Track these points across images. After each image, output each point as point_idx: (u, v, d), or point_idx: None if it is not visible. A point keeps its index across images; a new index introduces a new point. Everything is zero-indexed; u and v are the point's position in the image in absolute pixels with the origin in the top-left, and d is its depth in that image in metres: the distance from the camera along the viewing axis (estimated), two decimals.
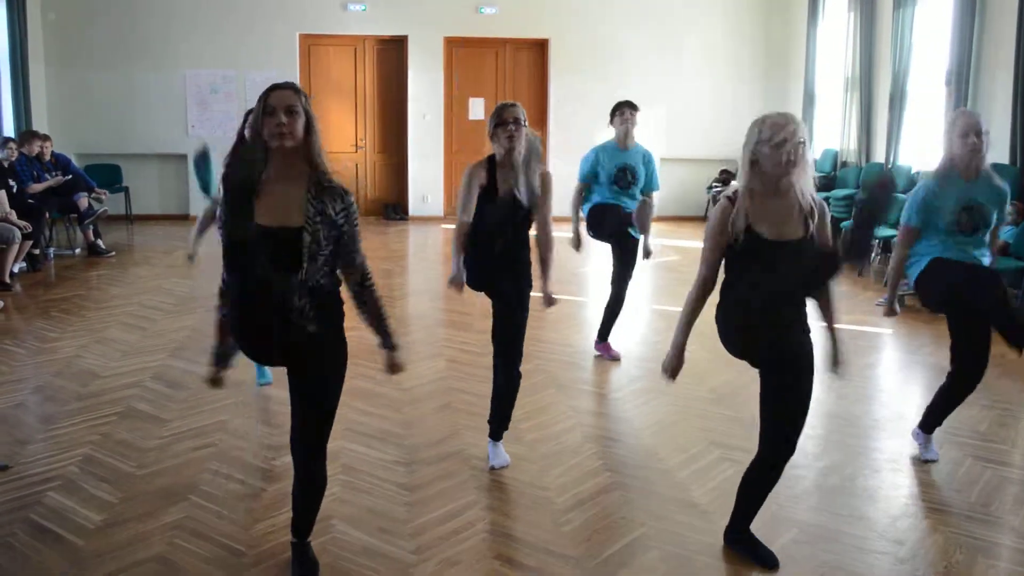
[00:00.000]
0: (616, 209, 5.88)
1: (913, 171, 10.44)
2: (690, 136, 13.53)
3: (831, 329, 3.44)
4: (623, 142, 5.91)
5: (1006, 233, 7.66)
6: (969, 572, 3.46)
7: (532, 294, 4.36)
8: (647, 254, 6.04)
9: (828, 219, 3.27)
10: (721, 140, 13.06)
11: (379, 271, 9.68)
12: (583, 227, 6.08)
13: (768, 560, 3.44)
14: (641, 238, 5.93)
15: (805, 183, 3.18)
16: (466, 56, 13.63)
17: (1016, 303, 4.69)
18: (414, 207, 13.82)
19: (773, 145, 3.08)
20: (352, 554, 3.51)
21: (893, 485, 4.30)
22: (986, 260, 4.32)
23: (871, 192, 3.49)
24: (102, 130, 12.76)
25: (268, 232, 2.93)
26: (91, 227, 10.26)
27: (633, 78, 13.19)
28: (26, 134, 10.29)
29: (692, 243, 11.88)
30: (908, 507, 4.05)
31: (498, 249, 4.20)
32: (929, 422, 4.55)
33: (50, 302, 7.90)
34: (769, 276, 3.20)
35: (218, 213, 3.04)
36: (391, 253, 11.15)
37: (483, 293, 4.40)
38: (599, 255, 5.91)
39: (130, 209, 12.76)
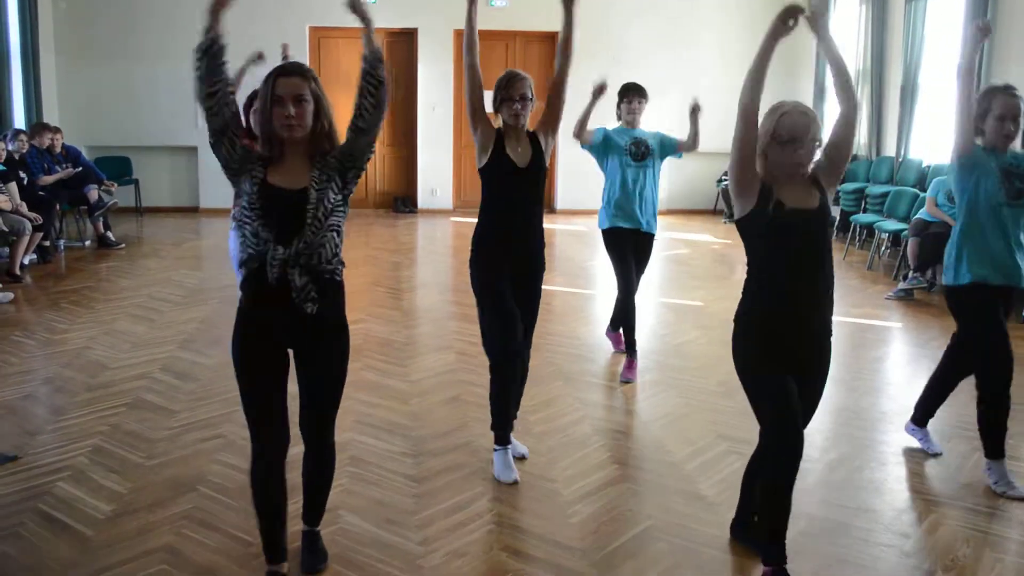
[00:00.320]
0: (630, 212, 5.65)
1: (924, 165, 10.40)
2: (701, 127, 13.45)
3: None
4: (631, 126, 5.85)
5: None
6: (975, 565, 3.46)
7: None
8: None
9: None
10: (730, 134, 13.01)
11: (388, 263, 9.74)
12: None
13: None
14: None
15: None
16: None
17: None
18: (423, 200, 13.82)
19: (786, 141, 2.98)
20: (360, 545, 3.52)
21: (899, 478, 4.30)
22: None
23: None
24: (112, 122, 12.78)
25: (275, 192, 2.93)
26: (101, 219, 10.29)
27: (644, 71, 13.08)
28: (37, 126, 10.33)
29: (702, 236, 11.88)
30: (914, 500, 4.05)
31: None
32: (990, 444, 4.21)
33: (60, 294, 7.93)
34: (791, 252, 3.06)
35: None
36: (400, 246, 11.17)
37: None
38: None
39: (140, 201, 12.80)
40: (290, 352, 3.12)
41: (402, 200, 13.86)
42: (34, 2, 11.53)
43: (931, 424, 5.07)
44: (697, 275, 9.27)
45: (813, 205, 3.06)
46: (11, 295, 7.59)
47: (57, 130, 10.43)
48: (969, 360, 4.28)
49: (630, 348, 5.71)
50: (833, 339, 3.27)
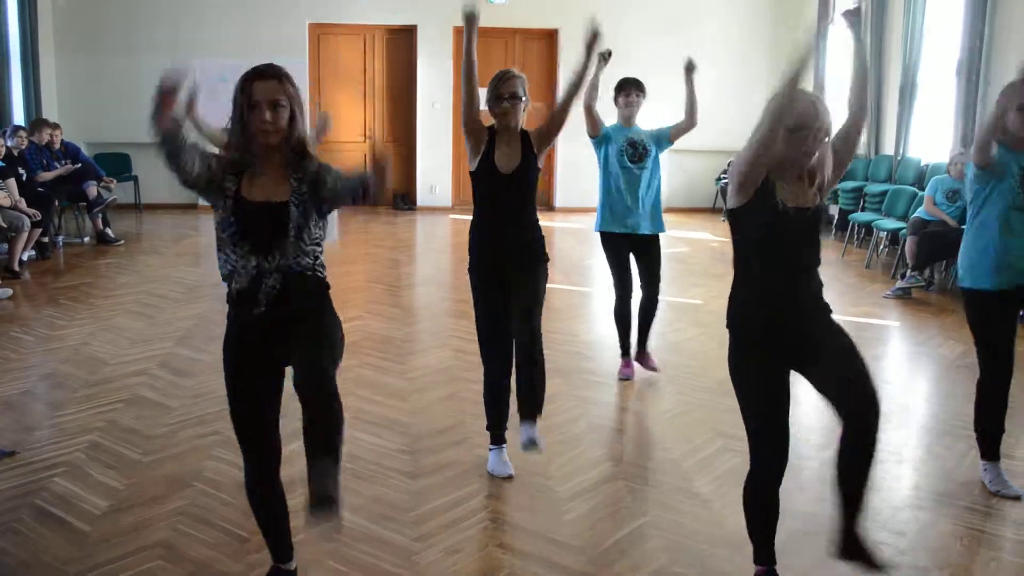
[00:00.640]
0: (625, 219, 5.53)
1: (922, 163, 10.41)
2: (699, 127, 13.35)
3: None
4: (627, 123, 5.64)
5: None
6: (970, 564, 3.47)
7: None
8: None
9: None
10: (730, 132, 13.00)
11: (387, 260, 9.75)
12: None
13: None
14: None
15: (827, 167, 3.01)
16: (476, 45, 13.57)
17: None
18: (422, 197, 13.83)
19: (793, 129, 2.84)
20: (354, 541, 3.53)
21: (896, 476, 4.31)
22: None
23: None
24: (111, 119, 12.73)
25: (252, 207, 2.80)
26: (100, 215, 10.30)
27: (642, 69, 13.08)
28: (36, 122, 10.33)
29: (701, 235, 11.89)
30: (910, 498, 4.05)
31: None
32: (987, 446, 4.13)
33: (59, 290, 7.94)
34: (784, 247, 2.97)
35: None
36: (399, 243, 11.18)
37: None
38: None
39: (139, 198, 12.81)
40: (285, 367, 2.97)
41: (401, 197, 13.86)
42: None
43: (927, 422, 5.10)
44: (696, 273, 9.27)
45: (811, 204, 2.98)
46: (10, 291, 7.60)
47: (56, 126, 10.43)
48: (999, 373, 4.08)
49: (641, 344, 5.70)
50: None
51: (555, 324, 6.85)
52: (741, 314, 3.07)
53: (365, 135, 13.80)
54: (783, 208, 2.91)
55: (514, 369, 4.12)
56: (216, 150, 3.05)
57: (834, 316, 3.05)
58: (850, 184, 11.01)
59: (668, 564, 3.43)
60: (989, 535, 3.71)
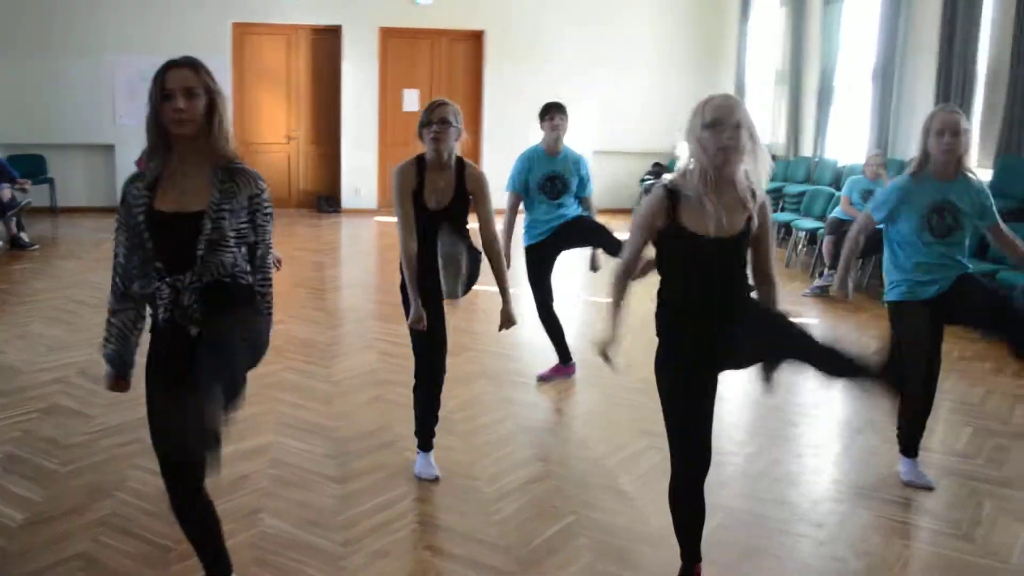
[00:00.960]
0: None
1: (839, 165, 10.68)
2: (623, 129, 13.66)
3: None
4: (552, 148, 5.55)
5: None
6: (886, 553, 3.58)
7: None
8: (594, 267, 5.85)
9: (770, 220, 3.03)
10: (653, 133, 13.22)
11: (311, 263, 9.65)
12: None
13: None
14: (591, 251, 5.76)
15: (755, 173, 2.94)
16: (401, 47, 13.56)
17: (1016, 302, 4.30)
18: (347, 199, 13.72)
19: (709, 125, 2.84)
20: (280, 547, 3.50)
21: (815, 470, 4.42)
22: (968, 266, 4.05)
23: None
24: (24, 119, 12.37)
25: (164, 219, 2.68)
26: (14, 219, 10.01)
27: (568, 70, 13.28)
28: None
29: (623, 236, 12.00)
30: (829, 491, 4.17)
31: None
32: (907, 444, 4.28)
33: None
34: (701, 275, 2.96)
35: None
36: (323, 245, 11.08)
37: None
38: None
39: (55, 201, 12.47)
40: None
41: (325, 199, 13.74)
42: None
43: (845, 417, 5.25)
44: None
45: (733, 232, 2.89)
46: None
47: None
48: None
49: (567, 361, 5.77)
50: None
51: (480, 326, 6.88)
52: (664, 319, 3.10)
53: (288, 136, 13.64)
54: (688, 236, 2.89)
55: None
56: None
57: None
58: (770, 185, 11.23)
59: (594, 561, 3.47)
60: (905, 525, 3.84)
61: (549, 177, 5.51)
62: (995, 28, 8.35)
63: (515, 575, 3.37)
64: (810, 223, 9.56)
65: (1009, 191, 7.59)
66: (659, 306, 3.10)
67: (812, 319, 7.54)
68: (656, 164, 13.75)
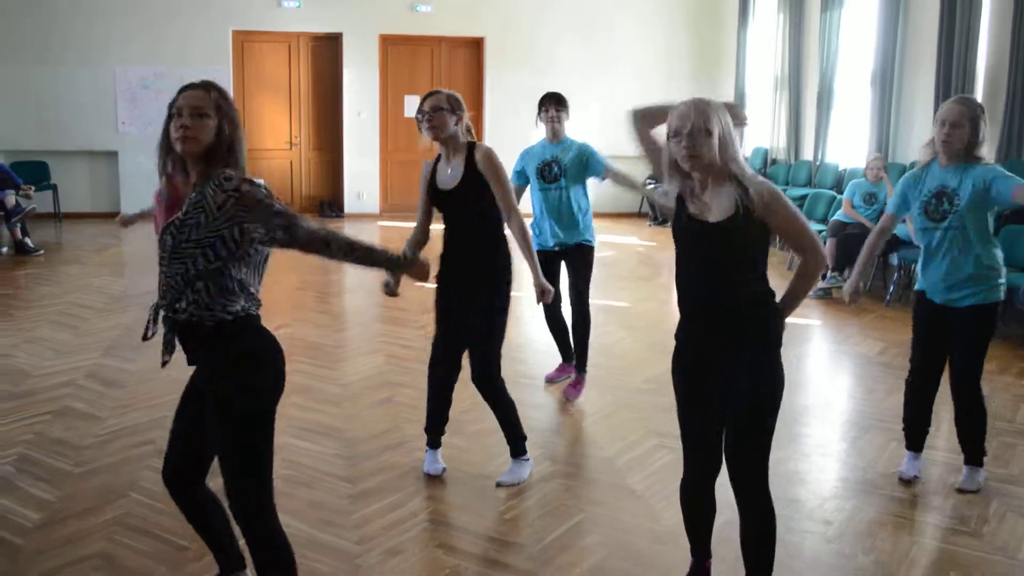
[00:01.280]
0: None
1: (840, 168, 10.74)
2: (623, 133, 13.65)
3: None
4: (554, 138, 5.54)
5: None
6: (893, 549, 3.61)
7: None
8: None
9: (779, 203, 2.83)
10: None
11: (315, 267, 9.68)
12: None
13: None
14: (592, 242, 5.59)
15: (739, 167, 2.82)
16: (401, 54, 13.62)
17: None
18: (349, 204, 13.76)
19: (671, 135, 2.83)
20: (296, 546, 3.48)
21: (821, 469, 4.46)
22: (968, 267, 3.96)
23: None
24: (28, 126, 12.43)
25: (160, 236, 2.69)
26: (18, 225, 10.04)
27: (568, 76, 13.31)
28: None
29: (628, 239, 12.06)
30: (836, 489, 4.20)
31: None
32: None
33: None
34: (692, 263, 2.97)
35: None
36: None
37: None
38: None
39: (59, 207, 12.51)
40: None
41: (328, 204, 13.78)
42: None
43: (850, 416, 5.28)
44: (623, 277, 9.41)
45: (716, 218, 2.84)
46: None
47: None
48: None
49: (570, 360, 5.71)
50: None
51: None
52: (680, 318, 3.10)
53: (291, 142, 13.69)
54: (687, 220, 2.91)
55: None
56: None
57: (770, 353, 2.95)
58: None
59: (606, 558, 3.51)
60: (911, 521, 3.88)
61: (546, 162, 5.50)
62: (993, 33, 8.40)
63: (528, 572, 3.40)
64: (812, 226, 9.59)
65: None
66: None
67: (815, 320, 7.58)
68: None
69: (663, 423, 4.87)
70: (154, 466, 4.24)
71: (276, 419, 2.79)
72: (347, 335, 6.99)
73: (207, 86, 2.68)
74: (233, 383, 2.68)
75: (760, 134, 12.72)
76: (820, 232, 9.13)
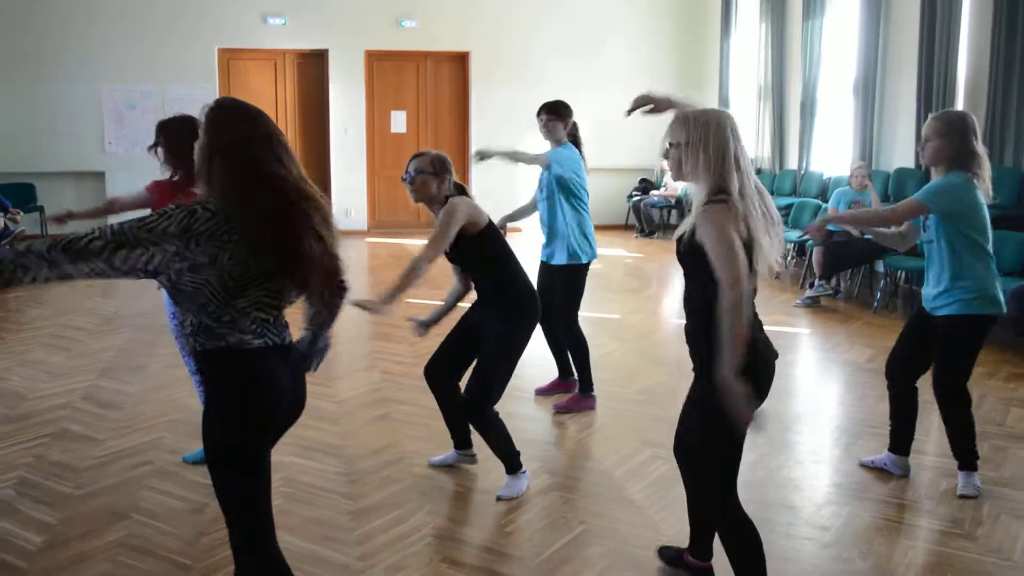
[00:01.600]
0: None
1: (825, 177, 10.83)
2: (610, 146, 13.77)
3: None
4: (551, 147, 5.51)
5: None
6: (890, 553, 3.66)
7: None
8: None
9: (705, 227, 2.82)
10: (640, 150, 13.34)
11: None
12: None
13: None
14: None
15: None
16: (387, 69, 13.68)
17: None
18: (337, 221, 13.73)
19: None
20: (299, 562, 3.54)
21: (816, 475, 4.51)
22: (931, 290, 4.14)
23: None
24: (14, 147, 12.41)
25: None
26: (6, 248, 10.01)
27: (552, 90, 13.33)
28: None
29: (615, 251, 12.12)
30: (831, 495, 4.25)
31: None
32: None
33: None
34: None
35: None
36: None
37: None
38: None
39: (45, 229, 12.49)
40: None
41: None
42: None
43: (841, 423, 5.34)
44: (612, 288, 9.46)
45: (682, 232, 2.91)
46: None
47: None
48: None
49: (566, 377, 5.77)
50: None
51: None
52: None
53: None
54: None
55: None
56: None
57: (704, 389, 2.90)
58: None
59: (608, 568, 3.54)
60: (906, 526, 3.93)
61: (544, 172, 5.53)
62: (973, 41, 8.52)
63: None
64: (798, 235, 9.68)
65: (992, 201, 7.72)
66: None
67: (804, 329, 7.66)
68: (643, 180, 13.91)
69: (657, 434, 4.92)
70: (155, 486, 4.28)
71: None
72: (339, 352, 7.00)
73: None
74: (207, 415, 2.57)
75: (744, 144, 12.79)
76: (806, 241, 9.22)
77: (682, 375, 3.61)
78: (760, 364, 2.89)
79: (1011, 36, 7.87)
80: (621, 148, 13.75)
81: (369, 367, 6.46)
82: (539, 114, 5.51)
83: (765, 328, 3.08)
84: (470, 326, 4.31)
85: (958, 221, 3.99)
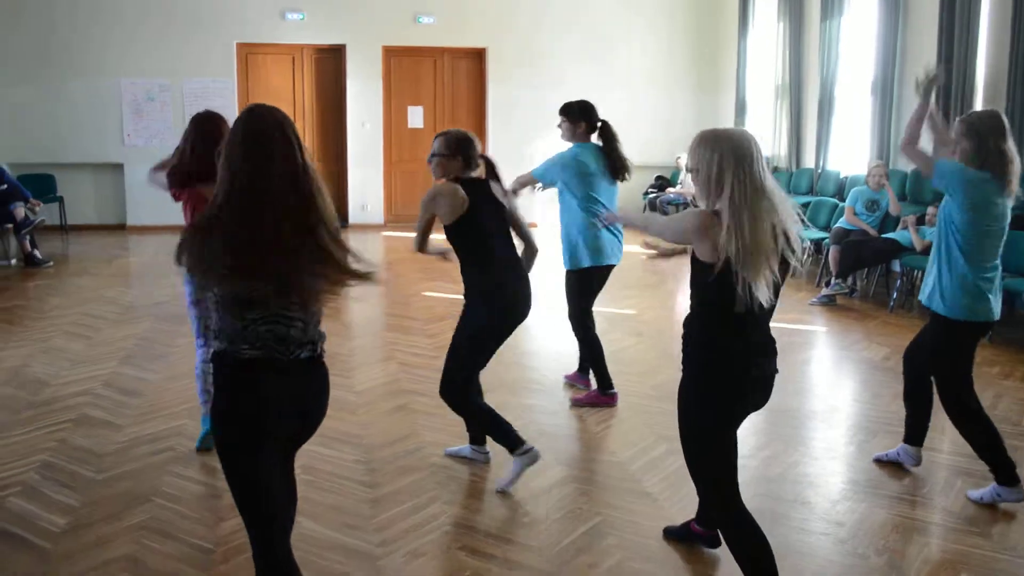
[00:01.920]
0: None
1: (842, 176, 10.82)
2: (626, 143, 13.75)
3: None
4: None
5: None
6: (904, 549, 3.69)
7: None
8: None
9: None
10: (656, 147, 13.35)
11: None
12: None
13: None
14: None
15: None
16: (404, 65, 13.73)
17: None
18: (354, 215, 13.84)
19: None
20: (320, 549, 3.61)
21: (831, 471, 4.53)
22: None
23: None
24: (34, 139, 12.54)
25: None
26: (27, 237, 10.12)
27: (569, 86, 13.38)
28: None
29: (631, 247, 12.11)
30: (846, 491, 4.27)
31: None
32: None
33: None
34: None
35: None
36: None
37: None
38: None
39: (65, 219, 12.60)
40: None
41: None
42: None
43: (857, 420, 5.36)
44: (629, 285, 9.47)
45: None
46: None
47: None
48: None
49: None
50: None
51: None
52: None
53: None
54: None
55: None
56: None
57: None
58: None
59: (624, 559, 3.58)
60: (920, 523, 3.95)
61: None
62: (992, 40, 8.49)
63: (548, 574, 3.47)
64: (815, 233, 9.68)
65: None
66: None
67: (821, 327, 7.66)
68: (659, 177, 13.90)
69: (673, 428, 4.83)
70: (176, 472, 4.33)
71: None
72: (358, 344, 7.07)
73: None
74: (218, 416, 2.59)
75: (761, 142, 12.78)
76: (823, 240, 9.21)
77: None
78: (741, 372, 3.14)
79: None
80: (636, 145, 13.74)
81: (387, 358, 6.51)
82: (559, 119, 5.57)
83: (782, 325, 3.15)
84: None
85: (970, 214, 3.98)
